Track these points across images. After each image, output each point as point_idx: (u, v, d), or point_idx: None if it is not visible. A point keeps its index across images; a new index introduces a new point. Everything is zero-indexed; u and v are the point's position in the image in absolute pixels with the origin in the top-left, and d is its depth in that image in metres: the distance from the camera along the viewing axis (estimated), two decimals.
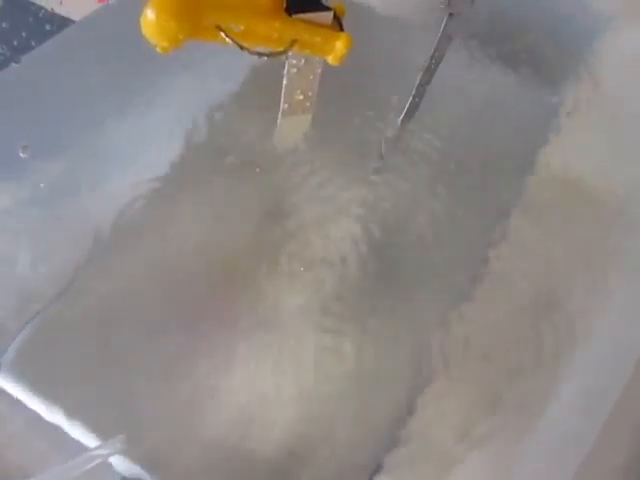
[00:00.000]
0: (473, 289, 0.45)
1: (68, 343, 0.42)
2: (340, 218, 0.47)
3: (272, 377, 0.42)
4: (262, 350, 0.42)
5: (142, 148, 0.50)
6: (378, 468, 0.40)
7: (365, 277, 0.45)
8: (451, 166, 0.50)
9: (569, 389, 0.41)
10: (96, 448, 0.37)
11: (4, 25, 0.56)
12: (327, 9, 0.34)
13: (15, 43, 0.54)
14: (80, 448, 0.38)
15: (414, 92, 0.45)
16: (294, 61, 0.37)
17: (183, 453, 0.39)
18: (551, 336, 0.43)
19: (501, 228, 0.47)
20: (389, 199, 0.49)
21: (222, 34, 0.31)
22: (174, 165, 0.49)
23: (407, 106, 0.46)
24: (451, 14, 0.39)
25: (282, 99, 0.39)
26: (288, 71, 0.38)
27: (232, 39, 0.31)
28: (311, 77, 0.38)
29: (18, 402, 0.39)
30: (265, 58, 0.33)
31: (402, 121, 0.47)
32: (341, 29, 0.35)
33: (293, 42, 0.34)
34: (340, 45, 0.35)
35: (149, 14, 0.29)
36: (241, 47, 0.32)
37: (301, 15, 0.34)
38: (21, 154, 0.45)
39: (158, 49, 0.30)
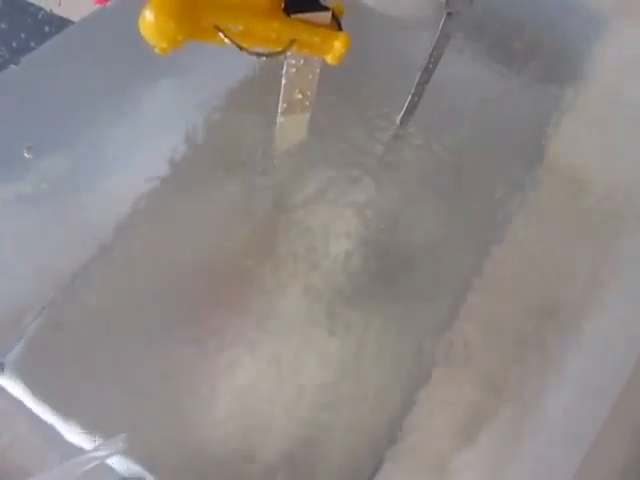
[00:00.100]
0: (473, 288, 0.45)
1: (70, 343, 0.42)
2: (341, 217, 0.47)
3: (272, 377, 0.42)
4: (262, 351, 0.42)
5: (142, 148, 0.50)
6: (377, 468, 0.40)
7: (365, 277, 0.45)
8: (450, 165, 0.50)
9: (569, 389, 0.41)
10: (97, 448, 0.37)
11: (3, 26, 0.56)
12: (325, 9, 0.34)
13: (14, 44, 0.54)
14: (81, 448, 0.38)
15: (413, 91, 0.45)
16: (293, 61, 0.37)
17: (183, 454, 0.39)
18: (551, 336, 0.43)
19: (501, 227, 0.47)
20: (389, 198, 0.49)
21: (221, 34, 0.31)
22: (174, 165, 0.49)
23: (406, 105, 0.46)
24: (449, 13, 0.40)
25: (281, 98, 0.39)
26: (287, 71, 0.38)
27: (231, 39, 0.31)
28: (310, 76, 0.38)
29: (20, 402, 0.40)
30: (264, 58, 0.33)
31: (401, 120, 0.47)
32: (339, 29, 0.35)
33: (292, 42, 0.34)
34: (339, 45, 0.35)
35: (148, 15, 0.29)
36: (240, 47, 0.32)
37: (299, 15, 0.34)
38: (25, 154, 0.45)
39: (157, 50, 0.30)
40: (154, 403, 0.41)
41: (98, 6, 0.47)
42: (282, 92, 0.39)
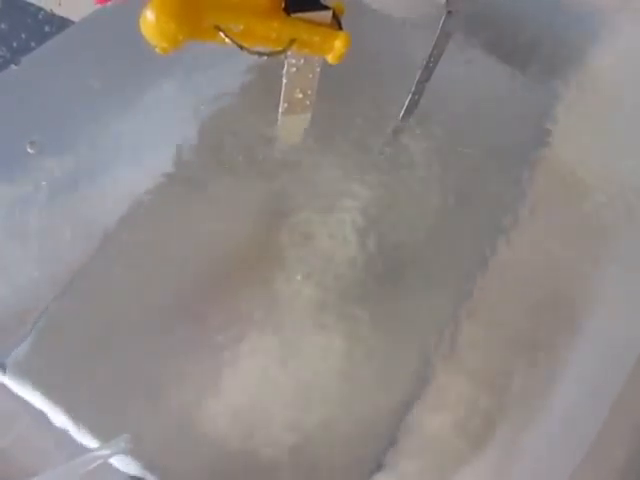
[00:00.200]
0: (474, 287, 0.45)
1: (73, 343, 0.42)
2: (343, 217, 0.48)
3: (273, 376, 0.42)
4: (263, 349, 0.43)
5: (143, 148, 0.50)
6: (378, 466, 0.40)
7: (367, 276, 0.46)
8: (451, 163, 0.50)
9: (569, 389, 0.41)
10: (100, 447, 0.37)
11: (3, 27, 0.56)
12: (326, 8, 0.34)
13: (15, 45, 0.53)
14: (84, 447, 0.38)
15: (413, 89, 0.45)
16: (293, 60, 0.37)
17: (185, 452, 0.39)
18: (551, 336, 0.43)
19: (501, 225, 0.48)
20: (390, 197, 0.49)
21: (221, 34, 0.31)
22: (175, 165, 0.49)
23: (406, 104, 0.46)
24: (450, 12, 0.40)
25: (282, 98, 0.39)
26: (287, 70, 0.38)
27: (231, 39, 0.31)
28: (310, 76, 0.38)
29: (23, 402, 0.40)
30: (265, 58, 0.33)
31: (401, 118, 0.48)
32: (340, 28, 0.35)
33: (292, 41, 0.34)
34: (339, 44, 0.35)
35: (148, 15, 0.29)
36: (241, 47, 0.32)
37: (300, 14, 0.34)
38: (29, 149, 0.45)
39: (158, 50, 0.30)
40: (156, 402, 0.41)
41: (98, 6, 0.47)
42: (283, 92, 0.39)
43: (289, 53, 0.36)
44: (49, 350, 0.42)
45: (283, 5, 0.33)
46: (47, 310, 0.43)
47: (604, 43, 0.53)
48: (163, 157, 0.49)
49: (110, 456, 0.37)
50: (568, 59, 0.54)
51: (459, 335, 0.43)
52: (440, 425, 0.41)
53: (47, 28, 0.55)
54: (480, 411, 0.41)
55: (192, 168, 0.50)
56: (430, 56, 0.42)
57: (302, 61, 0.37)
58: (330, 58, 0.36)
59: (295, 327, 0.43)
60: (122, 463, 0.38)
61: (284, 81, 0.38)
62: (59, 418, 0.39)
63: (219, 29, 0.31)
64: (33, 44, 0.52)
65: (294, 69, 0.38)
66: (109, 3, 0.31)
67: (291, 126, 0.43)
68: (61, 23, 0.55)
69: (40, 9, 0.56)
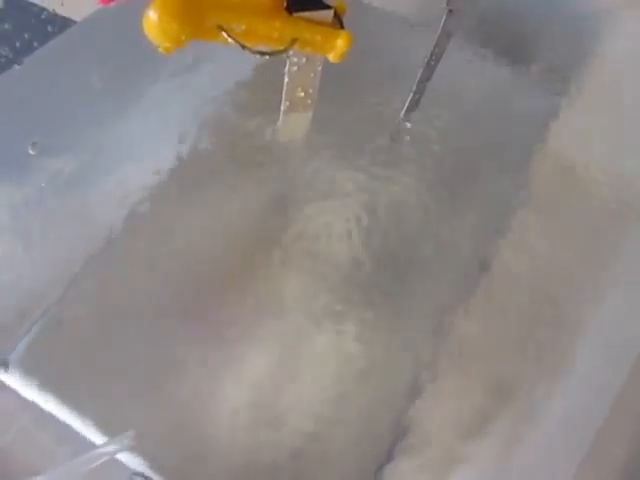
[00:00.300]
0: (474, 286, 0.45)
1: (76, 341, 0.42)
2: (344, 215, 0.48)
3: (276, 375, 0.42)
4: (266, 347, 0.43)
5: (145, 147, 0.50)
6: (383, 464, 0.40)
7: (370, 274, 0.46)
8: (452, 161, 0.50)
9: (569, 388, 0.41)
10: (104, 445, 0.37)
11: (6, 27, 0.56)
12: (327, 7, 0.34)
13: (17, 45, 0.54)
14: (88, 445, 0.38)
15: (414, 88, 0.45)
16: (295, 59, 0.37)
17: (189, 450, 0.40)
18: (551, 335, 0.43)
19: (502, 224, 0.48)
20: (391, 196, 0.49)
21: (224, 34, 0.31)
22: (177, 164, 0.49)
23: (407, 102, 0.46)
24: (451, 11, 0.40)
25: (283, 97, 0.40)
26: (289, 69, 0.38)
27: (234, 39, 0.31)
28: (312, 75, 0.39)
29: (25, 400, 0.40)
30: (266, 57, 0.33)
31: (403, 117, 0.48)
32: (341, 27, 0.36)
33: (294, 41, 0.34)
34: (341, 43, 0.35)
35: (151, 15, 0.29)
36: (243, 46, 0.32)
37: (302, 14, 0.34)
38: (30, 151, 0.45)
39: (160, 49, 0.31)
40: (159, 399, 0.41)
41: (101, 6, 0.47)
42: (284, 90, 0.39)
43: (291, 52, 0.36)
44: (51, 348, 0.42)
45: (285, 4, 0.34)
46: (49, 308, 0.43)
47: (605, 41, 0.53)
48: (164, 157, 0.50)
49: (114, 453, 0.37)
50: (569, 58, 0.54)
51: (459, 335, 0.43)
52: (440, 425, 0.41)
53: (50, 28, 0.55)
54: (480, 411, 0.41)
55: (194, 167, 0.50)
56: (431, 55, 0.42)
57: (304, 60, 0.37)
58: (332, 57, 0.36)
59: (296, 327, 0.43)
60: (126, 460, 0.38)
61: (286, 80, 0.38)
62: (62, 415, 0.39)
63: (221, 29, 0.31)
64: (36, 44, 0.52)
65: (296, 68, 0.38)
66: (112, 4, 0.32)
67: (292, 125, 0.43)
68: (63, 23, 0.55)
69: (43, 9, 0.57)
